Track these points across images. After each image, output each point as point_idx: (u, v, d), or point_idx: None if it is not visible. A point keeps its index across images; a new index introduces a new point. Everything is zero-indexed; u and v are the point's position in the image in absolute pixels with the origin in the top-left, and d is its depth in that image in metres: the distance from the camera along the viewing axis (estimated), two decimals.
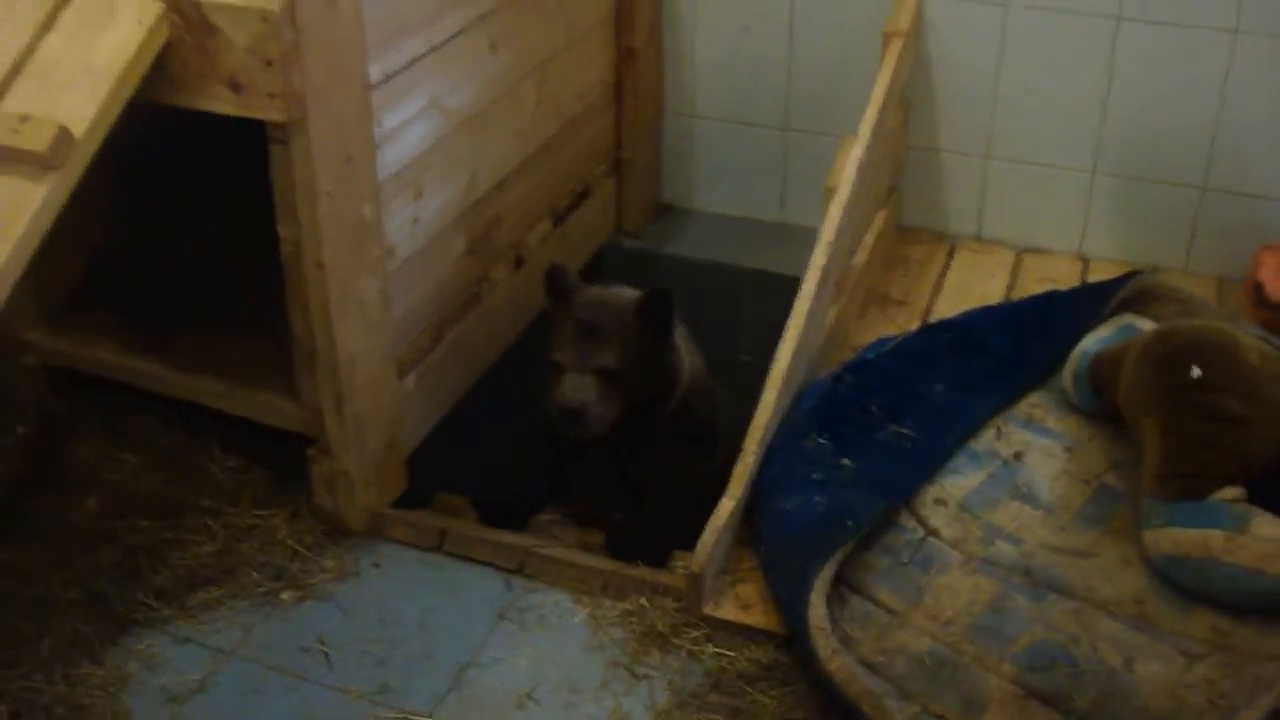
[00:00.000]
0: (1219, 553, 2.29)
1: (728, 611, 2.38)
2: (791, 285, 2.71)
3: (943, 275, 3.36)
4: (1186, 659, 2.23)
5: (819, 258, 2.70)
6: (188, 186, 3.01)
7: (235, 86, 2.19)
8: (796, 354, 2.63)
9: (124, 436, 2.75)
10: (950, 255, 3.45)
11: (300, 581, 2.48)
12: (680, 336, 2.72)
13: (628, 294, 2.62)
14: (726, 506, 2.46)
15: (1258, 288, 3.01)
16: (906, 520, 2.52)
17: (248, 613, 2.43)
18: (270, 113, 2.20)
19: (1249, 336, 2.53)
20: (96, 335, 2.77)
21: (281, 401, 2.56)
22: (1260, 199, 3.21)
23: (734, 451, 2.52)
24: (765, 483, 2.52)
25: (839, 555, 2.34)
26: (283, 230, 2.33)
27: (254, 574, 2.50)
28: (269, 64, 2.15)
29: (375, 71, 2.39)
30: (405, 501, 2.68)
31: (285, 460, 2.63)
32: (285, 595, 2.46)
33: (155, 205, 2.99)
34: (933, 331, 2.89)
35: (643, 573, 2.47)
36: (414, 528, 2.59)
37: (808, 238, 2.80)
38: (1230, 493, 2.35)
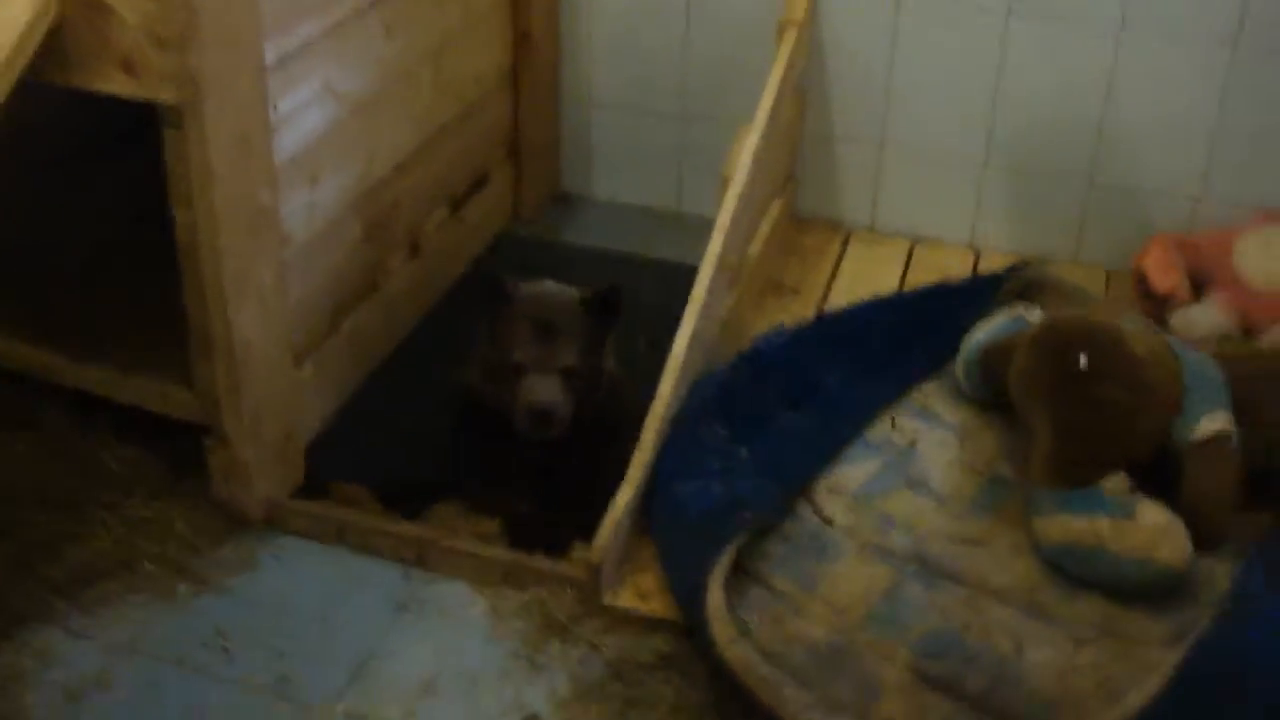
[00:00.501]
0: (1106, 540, 2.31)
1: (627, 600, 2.37)
2: (688, 274, 2.69)
3: (838, 264, 3.34)
4: (1075, 644, 2.24)
5: (715, 247, 2.68)
6: (82, 170, 2.96)
7: (129, 67, 2.13)
8: (693, 343, 2.60)
9: (16, 427, 2.68)
10: (845, 244, 3.43)
11: (198, 574, 2.44)
12: None
13: (569, 291, 2.63)
14: (625, 494, 2.44)
15: (1142, 279, 3.08)
16: (803, 509, 2.53)
17: (145, 607, 2.38)
18: (164, 94, 2.14)
19: (1135, 326, 2.57)
20: None
21: (177, 390, 2.50)
22: (1146, 192, 3.25)
23: (633, 441, 2.51)
24: (663, 471, 2.50)
25: (735, 543, 2.33)
26: (178, 215, 2.27)
27: (151, 567, 2.45)
28: (163, 45, 2.10)
29: (271, 54, 2.33)
30: (304, 492, 2.64)
31: (182, 451, 2.58)
32: (183, 588, 2.42)
33: (49, 189, 2.94)
34: (828, 322, 2.90)
35: (542, 563, 2.44)
36: (313, 519, 2.56)
37: (704, 227, 2.78)
38: (1116, 481, 2.38)
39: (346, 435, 2.75)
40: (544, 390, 2.52)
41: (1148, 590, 2.32)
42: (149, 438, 2.63)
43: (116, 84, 2.15)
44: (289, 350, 2.56)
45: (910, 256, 3.37)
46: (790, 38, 3.09)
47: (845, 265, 3.33)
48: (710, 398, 2.60)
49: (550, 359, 2.53)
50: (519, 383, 2.53)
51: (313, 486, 2.65)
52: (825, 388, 2.68)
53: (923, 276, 3.22)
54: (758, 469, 2.48)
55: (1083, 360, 2.43)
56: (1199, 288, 3.03)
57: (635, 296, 2.75)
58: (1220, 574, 2.36)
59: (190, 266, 2.31)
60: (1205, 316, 2.93)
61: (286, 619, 2.35)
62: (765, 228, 3.16)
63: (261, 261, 2.40)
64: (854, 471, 2.60)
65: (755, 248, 3.07)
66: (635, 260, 3.34)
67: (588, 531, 2.40)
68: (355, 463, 2.68)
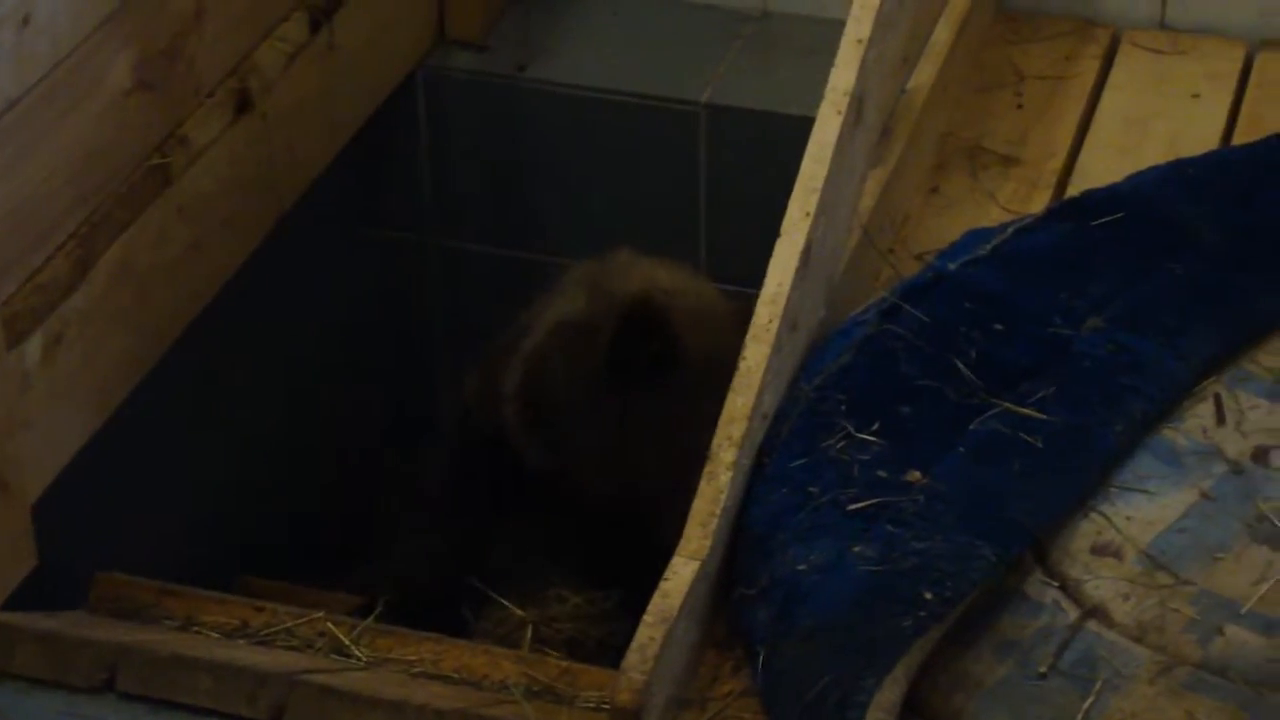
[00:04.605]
0: None
1: None
2: (784, 131, 2.49)
3: (1094, 102, 2.79)
4: None
5: (842, 76, 2.19)
6: None
7: None
8: (803, 272, 2.13)
9: None
10: (1107, 61, 2.85)
11: None
12: None
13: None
14: (683, 575, 1.98)
15: None
16: (1039, 587, 2.02)
17: None
18: None
19: None
20: None
21: None
22: None
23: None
24: (759, 524, 2.04)
25: (909, 659, 1.90)
26: None
27: None
28: None
29: None
30: (34, 595, 2.16)
31: None
32: None
33: None
34: (1076, 214, 2.33)
35: (520, 709, 1.99)
36: (52, 646, 2.06)
37: (806, 37, 2.68)
38: None
39: (120, 481, 2.35)
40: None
41: None
42: None
43: None
44: None
45: (1246, 76, 2.79)
46: None
47: (1108, 102, 2.76)
48: (846, 374, 2.13)
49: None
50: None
51: (55, 583, 2.21)
52: (1075, 346, 2.16)
53: (1272, 119, 2.66)
54: (946, 510, 1.99)
55: None
56: None
57: (686, 179, 2.61)
58: None
59: None
60: None
61: None
62: (944, 32, 2.63)
63: None
64: (1143, 511, 2.06)
65: (923, 76, 2.59)
66: (672, 112, 2.85)
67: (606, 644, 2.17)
68: (142, 532, 2.37)
